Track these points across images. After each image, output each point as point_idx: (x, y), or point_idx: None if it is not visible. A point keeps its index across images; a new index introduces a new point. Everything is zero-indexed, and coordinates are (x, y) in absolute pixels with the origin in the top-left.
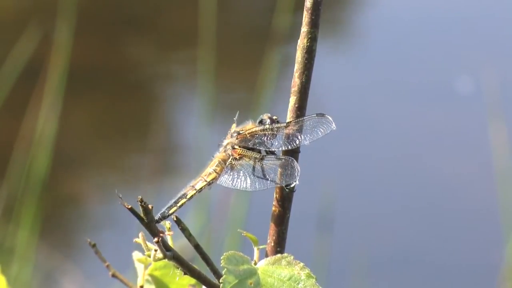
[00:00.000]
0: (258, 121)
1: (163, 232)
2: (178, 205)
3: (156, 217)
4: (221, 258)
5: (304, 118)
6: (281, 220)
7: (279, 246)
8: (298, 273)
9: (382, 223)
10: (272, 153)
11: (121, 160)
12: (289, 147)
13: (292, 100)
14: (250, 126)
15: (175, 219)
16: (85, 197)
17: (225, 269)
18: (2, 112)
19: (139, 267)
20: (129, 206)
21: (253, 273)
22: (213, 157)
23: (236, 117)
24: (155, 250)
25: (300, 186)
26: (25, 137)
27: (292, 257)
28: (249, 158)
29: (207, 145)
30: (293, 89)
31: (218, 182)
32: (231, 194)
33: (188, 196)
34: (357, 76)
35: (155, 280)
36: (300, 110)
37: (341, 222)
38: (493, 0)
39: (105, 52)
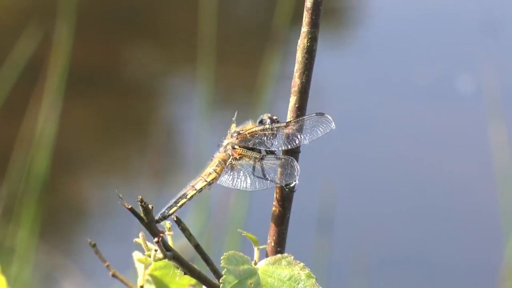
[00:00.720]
0: (258, 121)
1: (163, 232)
2: (178, 205)
3: (156, 217)
4: (221, 258)
5: (304, 117)
6: (281, 220)
7: (279, 246)
8: (298, 273)
9: (382, 223)
10: (272, 153)
11: (121, 160)
12: (289, 147)
13: (292, 100)
14: (250, 126)
15: (175, 219)
16: (85, 197)
17: (225, 269)
18: (2, 112)
19: (139, 267)
20: (129, 206)
21: (253, 273)
22: (213, 157)
23: (234, 117)
24: (155, 250)
25: (300, 186)
26: (25, 137)
27: (292, 257)
28: (249, 158)
29: (206, 145)
30: (293, 89)
31: (218, 182)
32: (231, 194)
33: (188, 196)
34: (357, 76)
35: (155, 280)
36: (300, 110)
37: (341, 222)
38: (494, 0)
39: (105, 52)
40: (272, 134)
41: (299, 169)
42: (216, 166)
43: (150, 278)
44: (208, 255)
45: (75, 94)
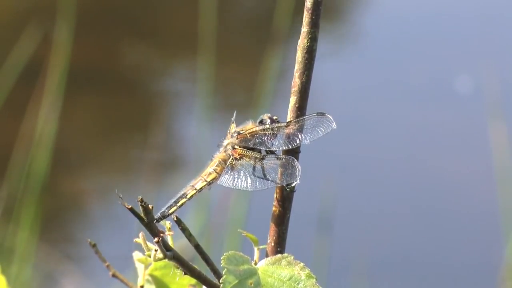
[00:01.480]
0: (258, 121)
1: (163, 232)
2: (178, 204)
3: (156, 217)
4: (221, 258)
5: (305, 117)
6: (281, 220)
7: (279, 246)
8: (298, 273)
9: (382, 223)
10: (273, 152)
11: (121, 160)
12: (290, 147)
13: (292, 100)
14: (250, 126)
15: (175, 219)
16: (85, 197)
17: (225, 269)
18: (2, 112)
19: (139, 267)
20: (129, 206)
21: (253, 273)
22: (213, 157)
23: (233, 117)
24: (155, 250)
25: (300, 186)
26: (25, 137)
27: (292, 257)
28: (250, 158)
29: (206, 144)
30: (293, 89)
31: (218, 182)
32: (231, 194)
33: (188, 196)
34: (357, 76)
35: (155, 280)
36: (300, 110)
37: (341, 222)
38: (494, 0)
39: (105, 52)
40: (273, 134)
41: (300, 169)
42: (216, 166)
43: (150, 278)
44: (208, 255)
45: (75, 94)
